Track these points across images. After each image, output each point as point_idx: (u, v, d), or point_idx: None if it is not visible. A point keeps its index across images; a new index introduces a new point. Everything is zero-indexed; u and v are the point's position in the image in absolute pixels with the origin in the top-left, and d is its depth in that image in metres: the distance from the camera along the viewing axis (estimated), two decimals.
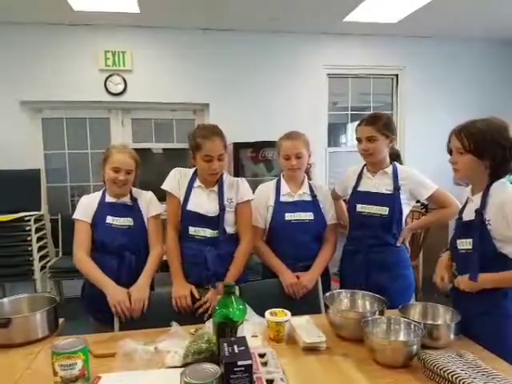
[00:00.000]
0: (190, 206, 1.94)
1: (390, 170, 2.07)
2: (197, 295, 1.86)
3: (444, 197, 2.04)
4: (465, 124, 1.51)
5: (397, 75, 4.80)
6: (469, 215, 1.53)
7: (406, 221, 2.14)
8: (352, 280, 2.04)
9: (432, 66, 4.73)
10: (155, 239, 2.04)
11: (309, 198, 2.13)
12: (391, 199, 2.02)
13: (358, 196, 2.11)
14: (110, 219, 1.95)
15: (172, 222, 1.99)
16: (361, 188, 2.12)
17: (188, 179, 1.99)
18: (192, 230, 1.94)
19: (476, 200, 1.51)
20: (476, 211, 1.47)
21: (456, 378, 1.14)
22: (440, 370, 1.19)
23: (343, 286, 2.13)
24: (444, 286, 1.62)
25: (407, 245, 2.18)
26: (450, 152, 1.58)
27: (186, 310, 1.84)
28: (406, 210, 2.06)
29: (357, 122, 2.13)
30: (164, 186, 1.99)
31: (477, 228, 1.46)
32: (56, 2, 3.43)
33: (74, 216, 1.96)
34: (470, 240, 1.48)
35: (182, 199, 1.96)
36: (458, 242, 1.54)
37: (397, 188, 2.02)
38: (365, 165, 2.16)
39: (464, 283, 1.50)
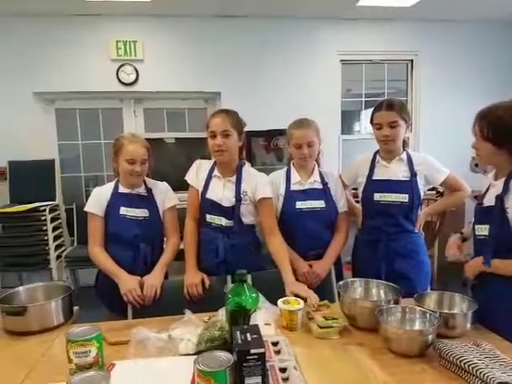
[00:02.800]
0: (208, 194, 1.95)
1: (404, 156, 2.05)
2: (207, 284, 1.86)
3: (456, 180, 2.09)
4: (488, 109, 1.46)
5: (412, 61, 4.69)
6: (490, 201, 1.49)
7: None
8: (370, 268, 2.01)
9: (448, 51, 4.61)
10: (172, 230, 2.06)
11: (320, 186, 2.10)
12: (410, 186, 2.00)
13: (374, 185, 2.07)
14: (123, 210, 1.95)
15: (191, 212, 2.00)
16: (376, 177, 2.08)
17: (207, 169, 1.99)
18: (209, 218, 1.95)
19: (498, 186, 1.47)
20: (497, 197, 1.44)
21: (473, 368, 1.11)
22: (456, 359, 1.17)
23: (358, 275, 2.08)
24: (456, 256, 1.65)
25: (422, 231, 2.17)
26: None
27: (196, 297, 1.85)
28: (422, 196, 2.06)
29: (371, 110, 2.09)
30: (186, 177, 2.03)
31: (496, 214, 1.43)
32: None
33: (86, 208, 1.96)
34: (488, 226, 1.45)
35: (201, 189, 1.97)
36: (476, 227, 1.52)
37: (414, 174, 2.01)
38: (377, 152, 2.13)
39: (471, 267, 1.51)
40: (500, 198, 1.43)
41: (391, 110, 1.96)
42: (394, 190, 2.01)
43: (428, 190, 3.65)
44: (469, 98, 4.55)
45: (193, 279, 1.86)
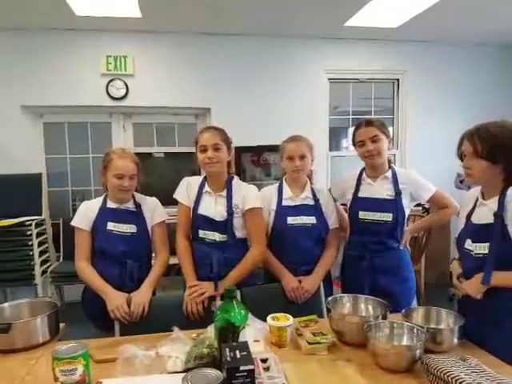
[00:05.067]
0: (200, 210, 1.96)
1: (389, 174, 2.09)
2: (205, 303, 1.85)
3: (443, 197, 2.11)
4: (476, 128, 1.48)
5: (398, 79, 4.80)
6: (483, 219, 1.49)
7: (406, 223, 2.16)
8: (356, 284, 2.02)
9: (433, 70, 4.73)
10: (160, 245, 2.05)
11: (311, 202, 2.12)
12: (394, 205, 2.04)
13: (359, 202, 2.11)
14: (111, 226, 1.93)
15: (182, 229, 2.00)
16: (361, 194, 2.12)
17: (197, 186, 2.01)
18: (202, 233, 1.96)
19: (491, 204, 1.48)
20: (495, 215, 1.44)
21: (460, 383, 1.12)
22: (443, 374, 1.18)
23: (345, 290, 2.11)
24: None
25: (408, 247, 2.20)
26: (461, 156, 1.54)
27: (195, 315, 1.82)
28: (407, 213, 2.09)
29: None
30: (175, 195, 2.03)
31: (496, 232, 1.42)
32: (58, 6, 3.44)
33: (73, 223, 1.95)
34: (487, 244, 1.44)
35: (192, 205, 1.98)
36: (474, 246, 1.49)
37: (398, 193, 2.04)
38: (363, 170, 2.17)
39: (469, 288, 1.47)
40: (499, 216, 1.42)
41: (371, 126, 2.04)
42: (378, 209, 2.04)
43: (414, 206, 3.71)
44: (454, 117, 4.68)
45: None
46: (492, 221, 1.45)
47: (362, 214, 2.08)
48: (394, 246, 2.07)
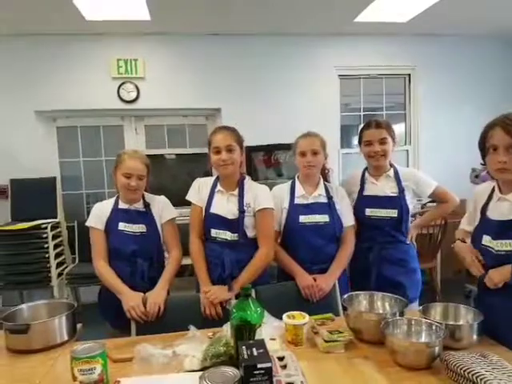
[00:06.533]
0: (212, 209, 1.97)
1: (391, 172, 2.18)
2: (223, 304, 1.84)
3: (444, 192, 2.21)
4: (508, 117, 1.37)
5: (409, 75, 4.75)
6: (505, 215, 1.43)
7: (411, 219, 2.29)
8: (363, 275, 2.12)
9: (444, 65, 4.67)
10: (172, 243, 2.06)
11: (324, 200, 2.11)
12: (398, 201, 2.13)
13: (365, 200, 2.19)
14: (122, 226, 1.97)
15: (195, 230, 2.01)
16: (366, 192, 2.20)
17: (209, 186, 2.03)
18: (214, 232, 1.96)
19: (510, 198, 1.42)
20: None
21: (481, 380, 1.10)
22: (464, 371, 1.16)
23: (352, 282, 2.17)
24: (479, 268, 1.48)
25: (414, 243, 2.28)
26: (484, 149, 1.45)
27: (214, 317, 1.82)
28: (411, 208, 2.18)
29: None
30: (187, 197, 2.05)
31: None
32: (69, 12, 3.48)
33: (88, 223, 1.98)
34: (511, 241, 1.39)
35: (205, 204, 1.99)
36: (495, 243, 1.43)
37: (401, 190, 2.13)
38: (365, 169, 2.25)
39: (497, 275, 1.40)
40: None
41: (380, 128, 2.12)
42: (384, 206, 2.13)
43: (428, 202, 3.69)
44: (467, 111, 4.61)
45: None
46: None
47: (368, 212, 2.15)
48: (402, 239, 2.16)
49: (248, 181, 2.05)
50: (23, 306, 1.73)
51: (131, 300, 1.79)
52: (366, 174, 2.23)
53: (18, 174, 4.00)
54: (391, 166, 2.20)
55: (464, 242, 1.63)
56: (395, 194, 2.13)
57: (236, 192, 1.98)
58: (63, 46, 4.09)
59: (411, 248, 2.22)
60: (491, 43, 4.70)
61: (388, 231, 2.13)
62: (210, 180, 2.06)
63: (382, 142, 2.10)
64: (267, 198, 1.99)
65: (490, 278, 1.42)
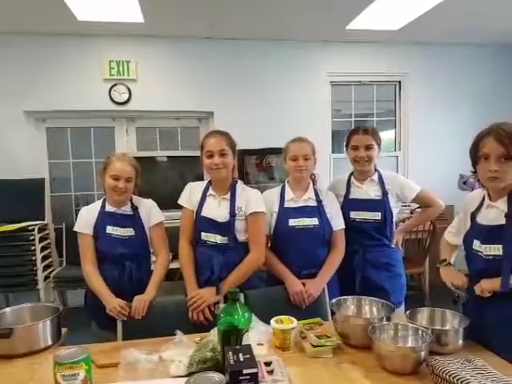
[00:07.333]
0: (203, 212, 1.97)
1: (375, 177, 2.23)
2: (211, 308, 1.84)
3: (428, 196, 2.26)
4: (502, 129, 1.38)
5: (399, 82, 4.79)
6: (493, 220, 1.45)
7: (397, 224, 2.35)
8: (347, 279, 2.13)
9: (435, 72, 4.73)
10: (160, 246, 2.06)
11: (314, 204, 2.12)
12: (382, 204, 2.18)
13: (350, 204, 2.23)
14: (109, 229, 1.97)
15: (185, 235, 2.01)
16: (352, 196, 2.25)
17: (201, 190, 2.03)
18: (204, 236, 1.96)
19: (501, 206, 1.44)
20: (506, 216, 1.40)
21: None
22: (449, 376, 1.16)
23: (339, 284, 2.16)
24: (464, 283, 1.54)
25: (400, 247, 2.33)
26: (475, 158, 1.45)
27: (202, 322, 1.82)
28: (395, 212, 2.24)
29: None
30: (179, 201, 2.05)
31: (509, 233, 1.39)
32: (60, 12, 3.45)
33: (75, 228, 1.99)
34: (500, 246, 1.40)
35: (196, 208, 1.99)
36: (484, 247, 1.45)
37: (385, 193, 2.19)
38: (351, 174, 2.30)
39: (491, 285, 1.41)
40: (510, 217, 1.39)
41: (367, 135, 2.18)
42: (368, 209, 2.18)
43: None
44: (456, 119, 4.67)
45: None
46: (503, 222, 1.41)
47: (352, 214, 2.19)
48: (386, 243, 2.20)
49: (240, 185, 2.05)
50: (7, 309, 1.70)
51: (112, 301, 1.81)
52: (352, 178, 2.28)
53: (6, 175, 3.94)
54: (376, 170, 2.26)
55: (449, 263, 1.70)
56: (379, 198, 2.18)
57: (228, 196, 1.98)
58: (54, 47, 4.06)
59: (396, 252, 2.26)
60: (482, 51, 4.77)
61: (372, 234, 2.17)
62: (202, 184, 2.06)
63: (368, 147, 2.16)
64: (259, 202, 1.99)
65: (479, 286, 1.44)
